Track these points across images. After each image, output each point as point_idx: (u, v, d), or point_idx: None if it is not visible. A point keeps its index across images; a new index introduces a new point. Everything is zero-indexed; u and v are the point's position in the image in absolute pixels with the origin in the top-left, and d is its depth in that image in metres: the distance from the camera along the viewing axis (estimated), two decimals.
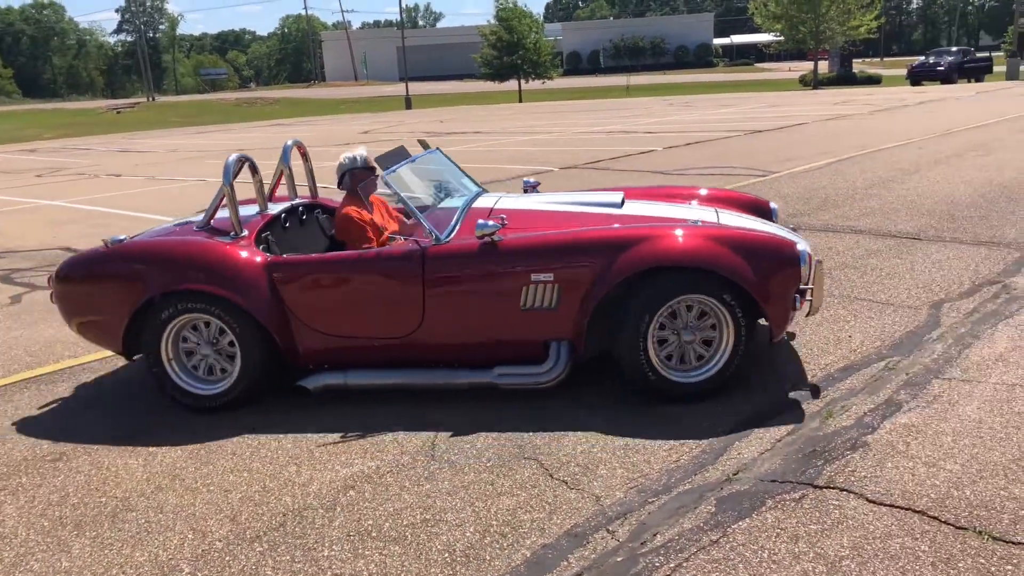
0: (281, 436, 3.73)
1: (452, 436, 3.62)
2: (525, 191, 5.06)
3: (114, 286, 4.07)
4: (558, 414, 3.77)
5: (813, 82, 41.23)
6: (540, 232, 3.99)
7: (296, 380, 4.06)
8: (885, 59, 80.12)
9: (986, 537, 2.64)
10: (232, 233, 4.17)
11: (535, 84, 48.02)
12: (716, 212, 4.46)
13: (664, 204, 4.63)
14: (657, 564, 2.61)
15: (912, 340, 4.43)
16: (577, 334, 3.83)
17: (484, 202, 4.51)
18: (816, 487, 3.01)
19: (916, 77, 37.53)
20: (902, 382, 3.89)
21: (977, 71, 38.26)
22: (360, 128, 26.17)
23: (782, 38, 44.08)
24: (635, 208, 4.43)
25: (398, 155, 4.29)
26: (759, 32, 56.88)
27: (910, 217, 7.32)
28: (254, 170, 4.54)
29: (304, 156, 5.09)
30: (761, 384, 3.96)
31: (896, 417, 3.52)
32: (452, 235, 3.98)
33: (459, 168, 4.87)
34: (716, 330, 3.80)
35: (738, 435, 3.47)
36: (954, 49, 42.13)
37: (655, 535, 2.77)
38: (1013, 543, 2.60)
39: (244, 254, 4.01)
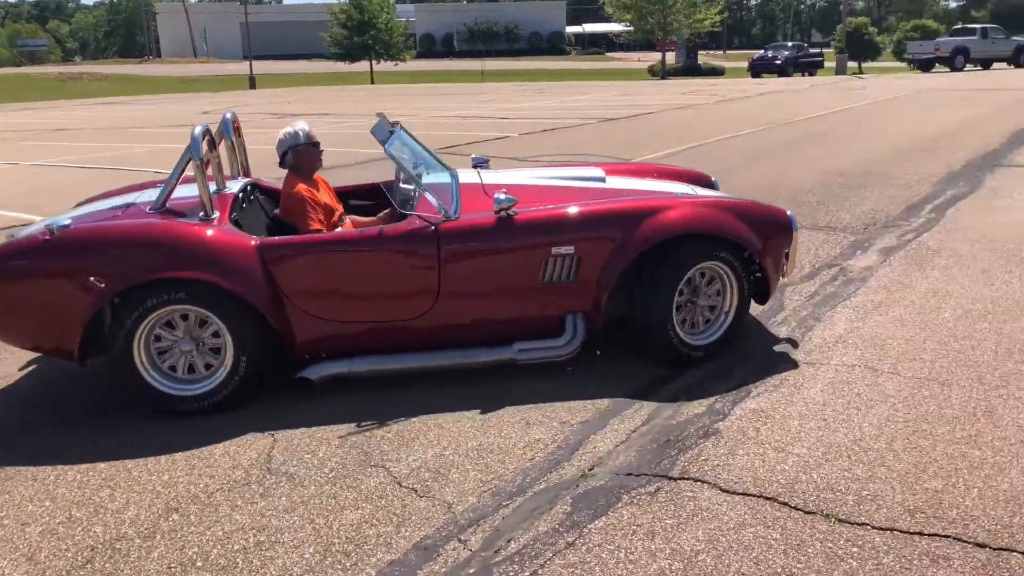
0: (96, 454, 3.32)
1: (292, 445, 3.34)
2: (475, 167, 4.82)
3: (69, 281, 3.47)
4: (409, 415, 3.55)
5: (661, 72, 42.64)
6: (558, 205, 3.94)
7: (296, 372, 3.73)
8: (728, 52, 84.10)
9: (833, 520, 2.65)
10: (202, 214, 3.72)
11: (388, 66, 47.21)
12: (692, 187, 4.59)
13: (642, 179, 4.72)
14: (511, 573, 2.46)
15: (759, 324, 4.50)
16: (596, 306, 3.87)
17: (468, 178, 4.32)
18: (671, 479, 2.96)
19: (756, 69, 39.52)
20: (751, 367, 3.93)
21: (810, 65, 40.72)
22: (199, 108, 24.73)
23: (632, 28, 45.33)
24: (619, 183, 4.50)
25: (383, 126, 3.99)
26: (610, 22, 58.32)
27: None
28: (212, 144, 4.10)
29: (236, 131, 4.68)
30: (617, 371, 3.89)
31: (746, 402, 3.54)
32: (459, 211, 3.81)
33: (424, 146, 4.51)
34: (721, 295, 4.04)
35: (594, 427, 3.39)
36: (790, 44, 44.68)
37: (509, 542, 2.62)
38: (857, 524, 2.63)
39: (232, 236, 3.63)
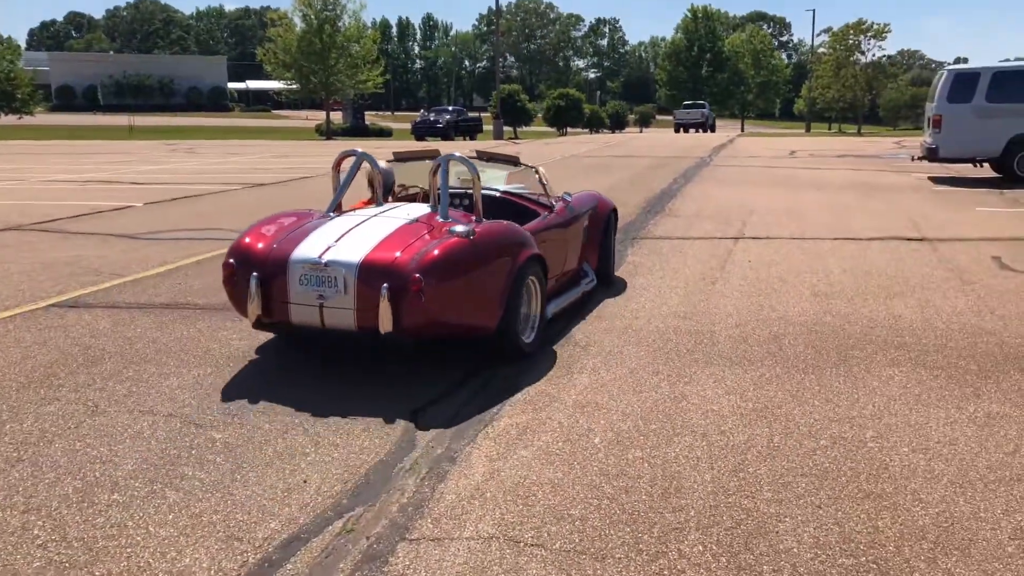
0: None
1: None
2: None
3: (494, 267, 4.71)
4: None
5: (327, 132, 41.85)
6: (570, 196, 6.57)
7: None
8: (396, 113, 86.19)
9: None
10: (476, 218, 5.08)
11: (12, 120, 41.14)
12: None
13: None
14: None
15: (382, 474, 3.50)
16: (593, 258, 6.68)
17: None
18: None
19: (419, 132, 40.20)
20: (360, 555, 2.87)
21: (470, 129, 42.46)
22: None
23: (296, 86, 44.16)
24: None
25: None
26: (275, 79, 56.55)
27: None
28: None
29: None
30: None
31: None
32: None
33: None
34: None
35: None
36: (451, 108, 46.36)
37: None
38: None
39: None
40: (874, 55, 61.18)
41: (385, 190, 5.67)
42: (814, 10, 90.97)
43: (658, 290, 6.71)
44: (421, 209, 5.13)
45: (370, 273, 4.35)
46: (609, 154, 23.91)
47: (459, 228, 4.63)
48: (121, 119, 53.26)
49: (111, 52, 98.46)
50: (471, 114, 47.85)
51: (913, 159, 16.83)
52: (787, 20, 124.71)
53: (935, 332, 5.56)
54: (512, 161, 6.19)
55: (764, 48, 74.55)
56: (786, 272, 7.36)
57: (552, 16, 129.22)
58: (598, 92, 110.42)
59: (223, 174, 17.37)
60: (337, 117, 46.56)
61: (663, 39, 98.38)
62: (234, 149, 27.34)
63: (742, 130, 60.23)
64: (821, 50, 65.98)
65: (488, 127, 44.18)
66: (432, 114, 43.35)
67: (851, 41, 60.20)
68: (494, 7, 46.12)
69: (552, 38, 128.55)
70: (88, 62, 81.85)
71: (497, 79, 49.19)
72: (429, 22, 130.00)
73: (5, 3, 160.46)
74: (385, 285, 4.27)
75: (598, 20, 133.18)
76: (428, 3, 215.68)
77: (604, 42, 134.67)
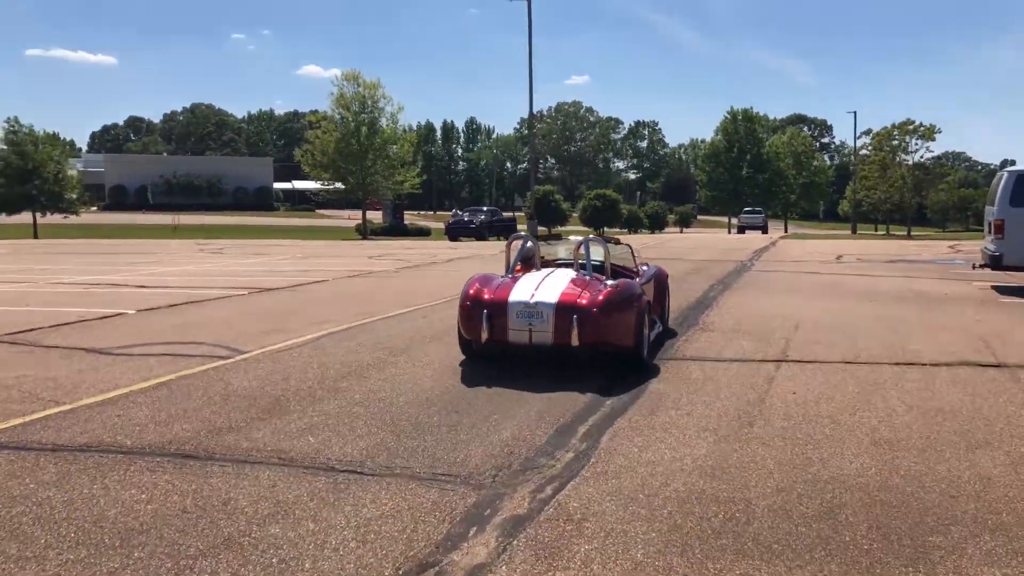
0: None
1: None
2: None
3: (635, 306, 7.26)
4: None
5: (364, 232, 41.78)
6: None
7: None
8: (437, 212, 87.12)
9: None
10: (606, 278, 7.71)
11: (56, 218, 41.90)
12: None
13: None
14: None
15: None
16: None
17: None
18: None
19: (454, 232, 39.82)
20: None
21: (505, 229, 42.02)
22: None
23: (339, 185, 44.47)
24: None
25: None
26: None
27: (367, 427, 5.60)
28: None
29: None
30: None
31: None
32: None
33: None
34: None
35: None
36: (485, 209, 46.22)
37: None
38: None
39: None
40: (921, 156, 60.16)
41: (525, 260, 8.38)
42: (855, 112, 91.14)
43: (682, 433, 5.53)
44: (571, 271, 7.78)
45: (563, 309, 6.91)
46: (643, 257, 22.90)
47: (611, 281, 7.36)
48: (168, 218, 54.26)
49: (164, 153, 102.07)
50: (505, 214, 47.61)
51: (974, 266, 15.52)
52: (828, 122, 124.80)
53: None
54: (614, 241, 9.37)
55: (805, 150, 74.15)
56: (838, 410, 6.14)
57: (592, 119, 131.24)
58: (638, 192, 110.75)
59: (239, 277, 16.73)
60: (377, 216, 46.71)
61: (703, 140, 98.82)
62: (263, 249, 26.99)
63: (785, 231, 59.15)
64: (863, 152, 65.20)
65: (522, 227, 43.78)
66: (467, 214, 43.15)
67: (896, 141, 59.39)
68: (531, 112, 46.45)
69: (592, 140, 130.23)
70: (142, 163, 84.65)
71: (532, 180, 49.15)
72: (472, 125, 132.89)
73: (72, 108, 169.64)
74: (575, 316, 6.82)
75: (637, 123, 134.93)
76: (472, 108, 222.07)
77: (644, 144, 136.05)
